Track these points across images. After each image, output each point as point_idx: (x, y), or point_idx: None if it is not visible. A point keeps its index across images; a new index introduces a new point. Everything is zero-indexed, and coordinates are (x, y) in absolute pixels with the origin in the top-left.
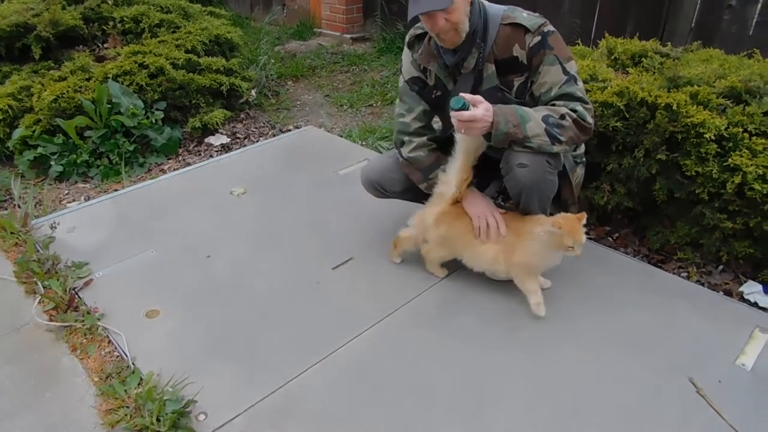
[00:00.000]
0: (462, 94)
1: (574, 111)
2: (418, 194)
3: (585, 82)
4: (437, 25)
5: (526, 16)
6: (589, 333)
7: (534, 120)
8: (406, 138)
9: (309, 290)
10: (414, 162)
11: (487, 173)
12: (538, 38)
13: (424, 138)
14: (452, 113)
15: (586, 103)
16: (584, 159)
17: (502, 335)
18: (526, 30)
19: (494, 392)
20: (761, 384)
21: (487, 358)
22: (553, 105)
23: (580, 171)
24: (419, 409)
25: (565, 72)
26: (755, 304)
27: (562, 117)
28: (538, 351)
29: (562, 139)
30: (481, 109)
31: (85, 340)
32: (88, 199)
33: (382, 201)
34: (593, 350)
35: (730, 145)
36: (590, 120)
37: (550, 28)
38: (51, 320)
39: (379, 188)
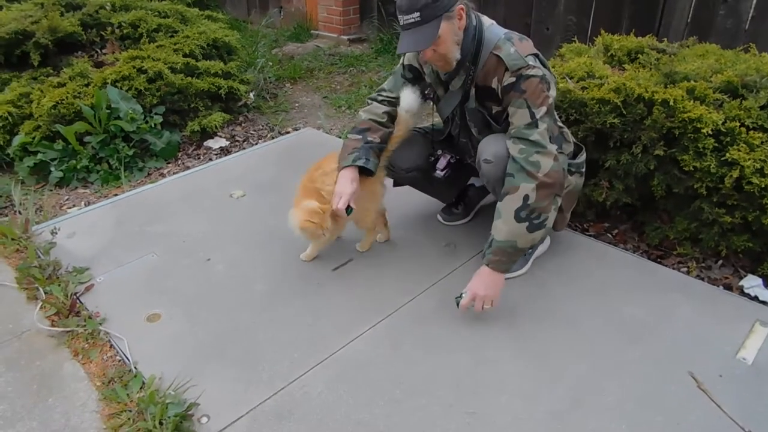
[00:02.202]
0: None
1: (531, 168)
2: (425, 175)
3: (582, 79)
4: (426, 56)
5: (512, 52)
6: (589, 328)
7: (519, 237)
8: (368, 100)
9: (309, 292)
10: (357, 119)
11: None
12: (512, 79)
13: (382, 108)
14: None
15: (544, 147)
16: (582, 169)
17: (501, 332)
18: (506, 68)
19: (494, 389)
20: (762, 377)
21: (486, 355)
22: (507, 187)
23: (574, 179)
24: (420, 408)
25: (532, 116)
26: (755, 298)
27: (526, 198)
28: (538, 345)
29: (543, 217)
30: (475, 292)
31: (86, 345)
32: (88, 204)
33: None
34: (593, 345)
35: (728, 139)
36: (549, 167)
37: (530, 71)
38: (53, 326)
39: (388, 165)
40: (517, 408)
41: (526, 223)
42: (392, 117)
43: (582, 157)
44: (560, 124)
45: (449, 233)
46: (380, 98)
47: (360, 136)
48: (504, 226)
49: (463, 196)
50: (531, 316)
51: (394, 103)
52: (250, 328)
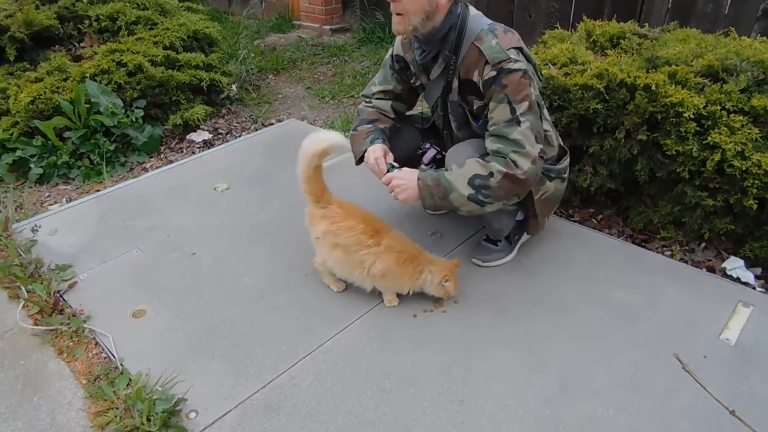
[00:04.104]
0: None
1: (508, 160)
2: (411, 167)
3: (564, 65)
4: (392, 5)
5: (493, 45)
6: (576, 313)
7: (457, 190)
8: (365, 100)
9: (296, 284)
10: (359, 113)
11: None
12: (493, 73)
13: (383, 104)
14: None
15: (522, 147)
16: (564, 174)
17: (489, 319)
18: (486, 61)
19: (483, 375)
20: (745, 357)
21: (474, 341)
22: (487, 156)
23: (554, 185)
24: (409, 397)
25: (512, 112)
26: (737, 280)
27: (491, 175)
28: (526, 331)
29: (489, 201)
30: (400, 177)
31: (71, 343)
32: (69, 200)
33: (366, 192)
34: (580, 330)
35: (709, 123)
36: (526, 168)
37: (512, 65)
38: (36, 324)
39: None
40: (506, 395)
41: (472, 191)
42: (395, 111)
43: (565, 162)
44: (547, 126)
45: (435, 222)
46: (376, 97)
47: (371, 125)
48: (456, 175)
49: None
50: (518, 302)
51: (389, 97)
52: (237, 321)
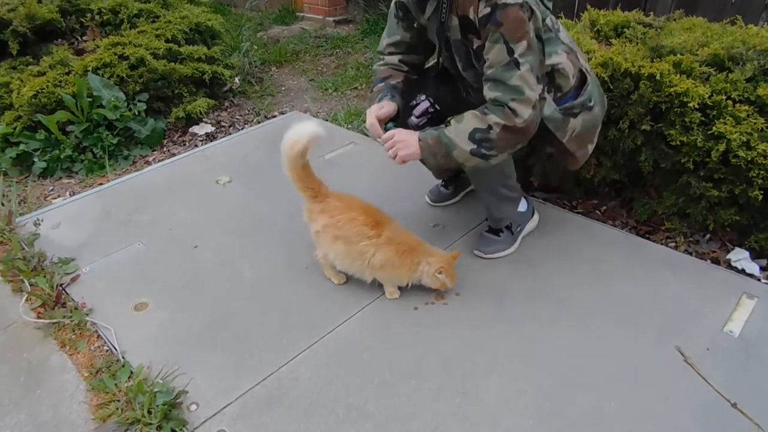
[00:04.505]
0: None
1: (506, 109)
2: (401, 121)
3: None
4: None
5: None
6: (578, 304)
7: (459, 147)
8: (379, 58)
9: (297, 276)
10: (375, 73)
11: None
12: (487, 10)
13: (395, 58)
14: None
15: (522, 93)
16: (590, 104)
17: (490, 311)
18: None
19: (484, 368)
20: (748, 350)
21: (475, 334)
22: (486, 106)
23: (581, 119)
24: (409, 389)
25: (510, 53)
26: (742, 271)
27: (489, 128)
28: (527, 324)
29: (493, 153)
30: (400, 135)
31: (73, 336)
32: (73, 194)
33: (368, 185)
34: (582, 321)
35: (714, 113)
36: (525, 116)
37: (508, 0)
38: (39, 318)
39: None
40: (507, 387)
41: (474, 146)
42: (407, 64)
43: (588, 89)
44: (557, 58)
45: (437, 214)
46: (387, 51)
47: (383, 84)
48: (456, 131)
49: (456, 177)
50: (520, 295)
51: (399, 50)
52: (238, 314)
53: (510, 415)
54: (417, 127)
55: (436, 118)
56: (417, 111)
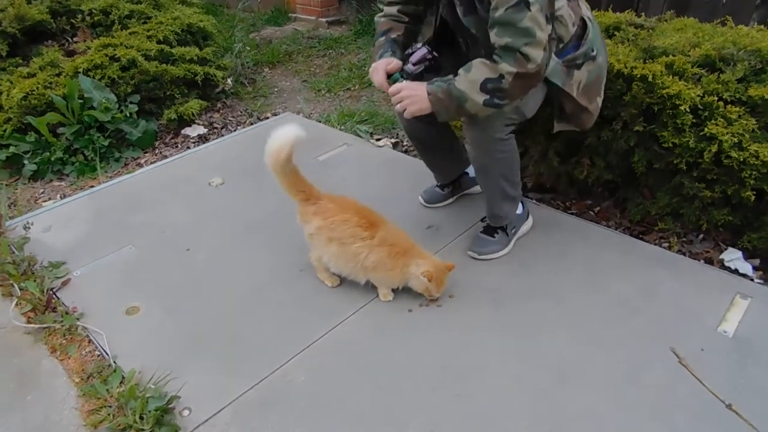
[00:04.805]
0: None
1: (518, 55)
2: (441, 133)
3: None
4: None
5: None
6: (573, 305)
7: (471, 99)
8: (380, 10)
9: (291, 279)
10: (376, 25)
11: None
12: None
13: (393, 8)
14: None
15: (533, 36)
16: (593, 53)
17: (485, 311)
18: None
19: (478, 369)
20: (742, 350)
21: (470, 335)
22: (495, 55)
23: (585, 70)
24: (404, 391)
25: None
26: (735, 271)
27: (501, 77)
28: (522, 325)
29: (506, 102)
30: (408, 88)
31: (64, 341)
32: (63, 197)
33: (361, 186)
34: (577, 322)
35: (706, 114)
36: (538, 60)
37: None
38: (29, 322)
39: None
40: (503, 388)
41: (487, 97)
42: (406, 14)
43: (588, 39)
44: (555, 5)
45: (431, 216)
46: (386, 1)
47: (383, 38)
48: (466, 82)
49: (455, 181)
50: (515, 296)
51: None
52: (231, 317)
53: (506, 416)
54: (414, 76)
55: (434, 66)
56: (414, 58)
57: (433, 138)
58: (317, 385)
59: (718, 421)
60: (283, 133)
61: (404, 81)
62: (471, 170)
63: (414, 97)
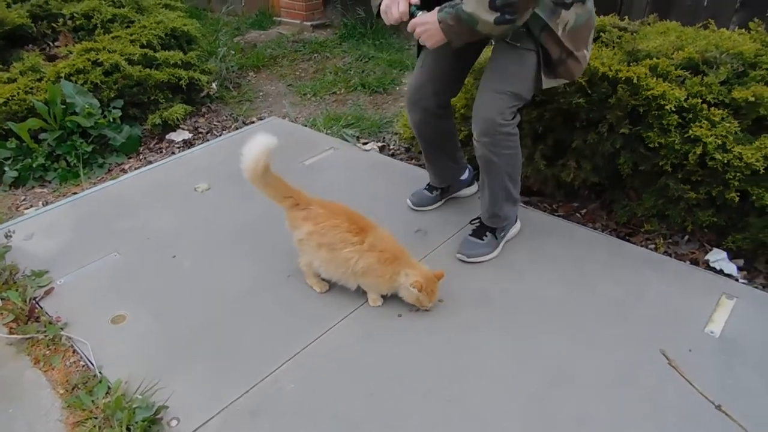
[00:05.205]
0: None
1: None
2: (447, 134)
3: None
4: None
5: None
6: (563, 308)
7: (481, 20)
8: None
9: (279, 285)
10: None
11: None
12: None
13: None
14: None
15: None
16: None
17: (475, 315)
18: None
19: (470, 373)
20: (729, 350)
21: (460, 340)
22: None
23: (573, 12)
24: (396, 397)
25: None
26: (721, 272)
27: None
28: (512, 328)
29: (516, 17)
30: (421, 22)
31: (48, 352)
32: (46, 204)
33: (348, 190)
34: (568, 324)
35: (690, 116)
36: None
37: None
38: (11, 333)
39: (417, 101)
40: (495, 392)
41: (497, 14)
42: None
43: None
44: None
45: (419, 219)
46: None
47: None
48: (473, 3)
49: (443, 184)
50: (504, 299)
51: None
52: (219, 325)
53: (499, 420)
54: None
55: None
56: None
57: (439, 138)
58: (308, 392)
59: (709, 423)
60: (254, 146)
61: (420, 13)
62: (465, 174)
63: (427, 29)
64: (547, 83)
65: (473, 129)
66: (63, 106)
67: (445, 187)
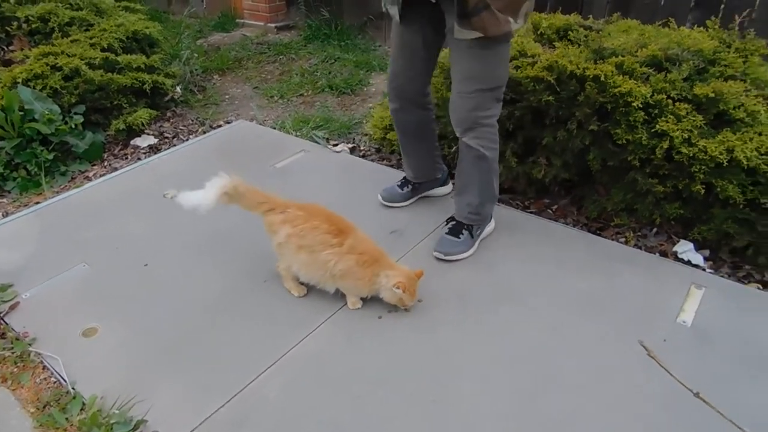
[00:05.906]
0: None
1: None
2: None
3: (514, 58)
4: None
5: None
6: (540, 303)
7: None
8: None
9: (256, 291)
10: None
11: None
12: None
13: None
14: None
15: None
16: None
17: (455, 314)
18: None
19: (452, 374)
20: (701, 338)
21: (442, 339)
22: None
23: None
24: (380, 400)
25: None
26: (688, 262)
27: None
28: (492, 325)
29: None
30: None
31: (16, 369)
32: (6, 215)
33: (321, 192)
34: (546, 320)
35: (656, 111)
36: None
37: None
38: None
39: (395, 89)
40: (478, 392)
41: None
42: None
43: None
44: None
45: (393, 220)
46: None
47: None
48: None
49: (419, 179)
50: (482, 297)
51: None
52: (196, 333)
53: (483, 420)
54: None
55: None
56: None
57: (419, 129)
58: (290, 399)
59: (690, 410)
60: (207, 193)
61: None
62: (440, 173)
63: None
64: (460, 33)
65: (456, 129)
66: (21, 113)
67: (418, 183)
